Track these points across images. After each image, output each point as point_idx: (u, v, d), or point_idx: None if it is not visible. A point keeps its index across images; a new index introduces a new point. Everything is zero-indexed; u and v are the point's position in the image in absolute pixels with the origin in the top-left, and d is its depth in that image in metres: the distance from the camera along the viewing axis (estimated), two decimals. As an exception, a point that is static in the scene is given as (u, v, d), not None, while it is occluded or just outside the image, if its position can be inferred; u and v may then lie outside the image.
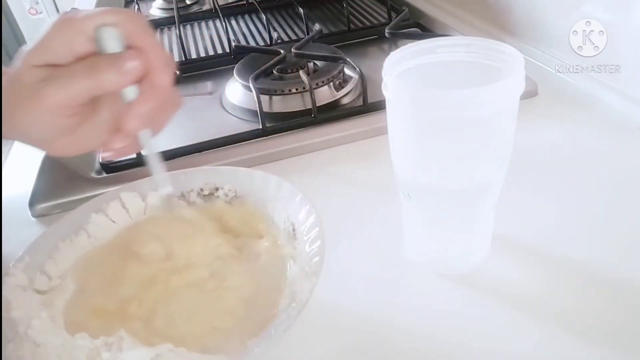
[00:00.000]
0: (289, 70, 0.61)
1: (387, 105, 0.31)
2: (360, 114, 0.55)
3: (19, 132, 0.30)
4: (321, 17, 0.85)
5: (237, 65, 0.64)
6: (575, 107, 0.54)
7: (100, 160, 0.51)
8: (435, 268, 0.37)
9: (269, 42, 0.75)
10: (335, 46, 0.67)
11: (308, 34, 0.74)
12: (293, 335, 0.30)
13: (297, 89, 0.58)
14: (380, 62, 0.30)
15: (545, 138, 0.49)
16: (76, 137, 0.31)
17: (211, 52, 0.76)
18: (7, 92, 0.29)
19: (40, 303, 0.32)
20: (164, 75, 0.31)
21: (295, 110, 0.57)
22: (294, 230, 0.35)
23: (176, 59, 0.75)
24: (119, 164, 0.49)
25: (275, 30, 0.79)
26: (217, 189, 0.40)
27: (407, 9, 0.77)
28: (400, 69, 0.31)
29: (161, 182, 0.35)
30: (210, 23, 0.88)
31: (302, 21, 0.76)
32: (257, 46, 0.75)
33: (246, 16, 0.89)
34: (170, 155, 0.51)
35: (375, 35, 0.76)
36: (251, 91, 0.55)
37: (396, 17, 0.75)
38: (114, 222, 0.38)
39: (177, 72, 0.61)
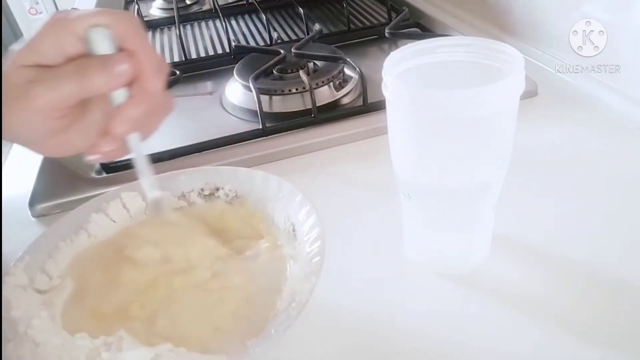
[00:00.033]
0: (289, 70, 0.61)
1: (387, 105, 0.31)
2: (360, 114, 0.55)
3: (7, 132, 0.29)
4: (321, 17, 0.85)
5: (237, 65, 0.64)
6: (575, 107, 0.54)
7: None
8: (435, 268, 0.37)
9: (269, 42, 0.75)
10: (335, 46, 0.67)
11: (308, 34, 0.74)
12: (293, 335, 0.30)
13: (297, 89, 0.58)
14: (380, 62, 0.30)
15: (545, 138, 0.49)
16: (66, 138, 0.31)
17: (211, 52, 0.76)
18: None
19: (40, 303, 0.32)
20: (155, 80, 0.30)
21: (295, 110, 0.57)
22: (294, 230, 0.35)
23: (176, 59, 0.76)
24: (119, 164, 0.49)
25: (275, 30, 0.79)
26: (217, 189, 0.40)
27: (407, 9, 0.77)
28: (400, 69, 0.31)
29: (149, 186, 0.34)
30: (210, 23, 0.88)
31: (302, 21, 0.76)
32: (257, 46, 0.75)
33: (246, 16, 0.89)
34: (170, 155, 0.51)
35: (375, 35, 0.76)
36: (251, 91, 0.55)
37: (396, 17, 0.75)
38: (114, 221, 0.38)
39: (177, 72, 0.61)
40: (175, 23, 0.78)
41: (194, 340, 0.30)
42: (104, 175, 0.50)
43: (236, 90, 0.61)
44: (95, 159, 0.32)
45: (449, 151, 0.30)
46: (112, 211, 0.39)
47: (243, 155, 0.51)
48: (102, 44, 0.29)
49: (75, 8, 0.75)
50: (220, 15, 0.81)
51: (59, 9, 1.99)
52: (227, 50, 0.74)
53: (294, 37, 0.78)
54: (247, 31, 0.83)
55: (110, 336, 0.29)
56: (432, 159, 0.31)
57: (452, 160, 0.31)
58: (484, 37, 0.31)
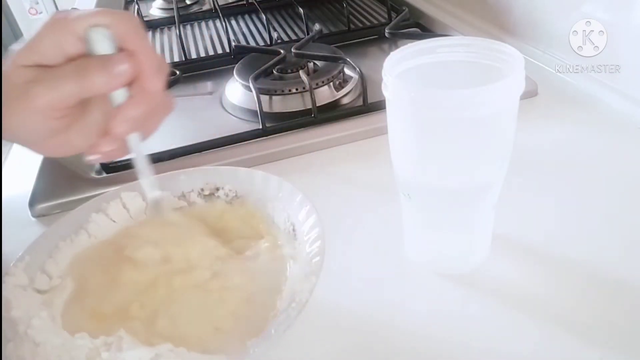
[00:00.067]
0: (289, 70, 0.61)
1: (387, 105, 0.31)
2: (360, 114, 0.55)
3: (7, 132, 0.29)
4: (321, 17, 0.85)
5: (237, 65, 0.64)
6: (575, 107, 0.54)
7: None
8: (435, 268, 0.37)
9: (269, 42, 0.75)
10: (335, 46, 0.67)
11: (308, 34, 0.74)
12: (293, 335, 0.30)
13: (297, 89, 0.58)
14: (380, 62, 0.30)
15: (545, 138, 0.49)
16: (66, 138, 0.30)
17: (211, 52, 0.76)
18: None
19: (40, 303, 0.32)
20: (155, 80, 0.30)
21: (295, 110, 0.57)
22: (294, 230, 0.35)
23: (176, 59, 0.76)
24: (119, 164, 0.49)
25: (275, 30, 0.79)
26: (217, 189, 0.40)
27: (407, 9, 0.77)
28: (400, 69, 0.31)
29: (148, 186, 0.34)
30: (210, 23, 0.88)
31: (302, 21, 0.76)
32: (257, 46, 0.75)
33: (246, 16, 0.89)
34: (170, 155, 0.51)
35: (375, 35, 0.76)
36: (251, 91, 0.55)
37: (396, 17, 0.75)
38: (114, 221, 0.38)
39: (177, 72, 0.61)
40: (175, 23, 0.78)
41: (194, 340, 0.30)
42: (104, 175, 0.50)
43: (236, 90, 0.61)
44: (95, 159, 0.32)
45: (449, 151, 0.30)
46: (112, 211, 0.39)
47: (243, 155, 0.51)
48: (102, 44, 0.28)
49: (75, 8, 0.75)
50: (220, 15, 0.81)
51: (59, 9, 1.99)
52: (227, 50, 0.74)
53: (294, 37, 0.78)
54: (247, 31, 0.83)
55: (110, 336, 0.29)
56: (432, 159, 0.31)
57: (452, 160, 0.31)
58: (484, 37, 0.31)
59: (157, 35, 0.86)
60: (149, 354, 0.28)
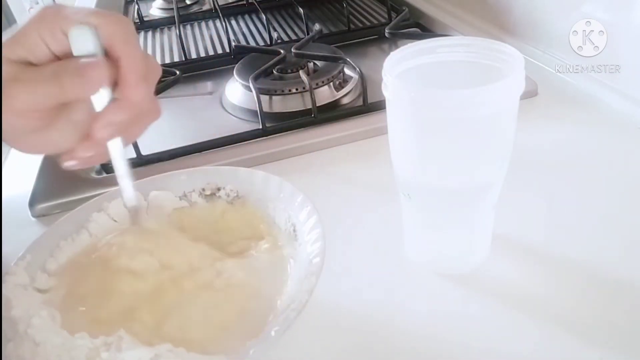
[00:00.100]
0: (289, 70, 0.61)
1: (387, 105, 0.31)
2: (360, 114, 0.55)
3: None
4: (321, 17, 0.85)
5: (237, 65, 0.64)
6: (575, 107, 0.54)
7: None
8: (435, 268, 0.37)
9: (269, 42, 0.75)
10: (335, 46, 0.68)
11: (308, 34, 0.74)
12: (293, 335, 0.30)
13: (297, 89, 0.58)
14: (380, 62, 0.30)
15: (545, 138, 0.49)
16: (46, 136, 0.29)
17: (211, 52, 0.76)
18: None
19: (40, 302, 0.32)
20: (136, 89, 0.28)
21: (295, 110, 0.57)
22: (294, 231, 0.35)
23: (176, 59, 0.76)
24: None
25: (275, 30, 0.79)
26: (218, 189, 0.40)
27: (407, 9, 0.77)
28: (400, 69, 0.31)
29: (128, 194, 0.33)
30: (210, 23, 0.88)
31: (302, 21, 0.76)
32: (257, 46, 0.75)
33: (246, 16, 0.89)
34: (170, 155, 0.51)
35: (375, 35, 0.76)
36: (251, 91, 0.55)
37: (396, 17, 0.75)
38: (115, 221, 0.38)
39: (177, 72, 0.61)
40: (175, 23, 0.79)
41: (203, 342, 0.30)
42: (104, 175, 0.50)
43: (236, 90, 0.61)
44: (71, 164, 0.30)
45: (449, 151, 0.30)
46: (113, 211, 0.38)
47: (243, 155, 0.51)
48: (86, 45, 0.27)
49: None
50: (220, 15, 0.81)
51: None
52: (227, 50, 0.74)
53: (294, 37, 0.78)
54: (247, 31, 0.83)
55: (110, 336, 0.29)
56: (432, 159, 0.31)
57: (452, 160, 0.31)
58: (484, 37, 0.31)
59: (157, 35, 0.86)
60: (148, 354, 0.28)
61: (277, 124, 0.54)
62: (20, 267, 0.33)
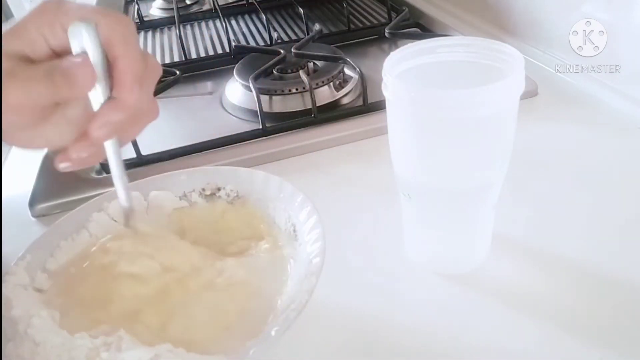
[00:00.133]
0: (289, 70, 0.61)
1: (387, 105, 0.31)
2: (360, 114, 0.55)
3: None
4: (321, 17, 0.85)
5: (237, 65, 0.64)
6: (575, 107, 0.54)
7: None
8: (435, 268, 0.37)
9: (269, 42, 0.75)
10: (335, 46, 0.68)
11: (308, 34, 0.74)
12: (293, 336, 0.30)
13: (297, 89, 0.58)
14: (380, 62, 0.30)
15: (545, 138, 0.49)
16: (41, 132, 0.28)
17: (211, 52, 0.76)
18: None
19: (40, 302, 0.32)
20: (131, 91, 0.28)
21: (295, 110, 0.57)
22: (295, 231, 0.35)
23: (176, 59, 0.76)
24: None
25: (275, 30, 0.79)
26: (218, 189, 0.40)
27: (407, 9, 0.77)
28: (400, 69, 0.31)
29: (123, 195, 0.33)
30: (210, 23, 0.88)
31: (302, 21, 0.76)
32: (257, 46, 0.75)
33: (246, 16, 0.89)
34: (170, 155, 0.51)
35: (375, 35, 0.76)
36: (251, 91, 0.55)
37: (396, 17, 0.75)
38: (115, 221, 0.38)
39: (177, 72, 0.61)
40: (175, 23, 0.79)
41: (204, 343, 0.30)
42: (104, 175, 0.50)
43: (236, 90, 0.61)
44: (65, 166, 0.29)
45: (449, 151, 0.30)
46: (113, 211, 0.38)
47: (243, 155, 0.51)
48: (83, 42, 0.27)
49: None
50: (220, 15, 0.81)
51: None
52: (227, 50, 0.74)
53: (294, 37, 0.78)
54: (247, 31, 0.83)
55: (110, 336, 0.29)
56: (432, 159, 0.31)
57: (452, 160, 0.31)
58: (484, 37, 0.31)
59: (157, 35, 0.86)
60: (148, 354, 0.28)
61: (277, 124, 0.54)
62: (20, 267, 0.33)
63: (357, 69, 0.57)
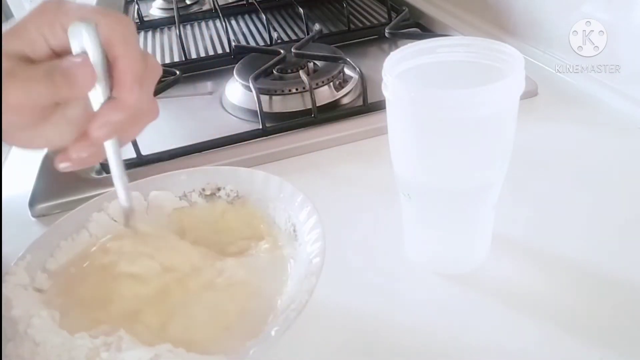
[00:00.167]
0: (289, 70, 0.61)
1: (387, 105, 0.31)
2: (360, 114, 0.55)
3: None
4: (321, 17, 0.85)
5: (237, 65, 0.64)
6: (575, 107, 0.54)
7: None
8: (435, 268, 0.37)
9: (269, 42, 0.75)
10: (335, 46, 0.68)
11: (308, 34, 0.74)
12: (293, 336, 0.30)
13: (297, 89, 0.58)
14: (380, 62, 0.30)
15: (545, 138, 0.49)
16: (40, 132, 0.28)
17: (211, 52, 0.76)
18: None
19: (40, 302, 0.32)
20: (130, 91, 0.28)
21: (295, 110, 0.57)
22: (294, 231, 0.35)
23: (176, 59, 0.76)
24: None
25: (275, 30, 0.79)
26: (218, 189, 0.40)
27: (407, 9, 0.77)
28: (400, 69, 0.31)
29: (123, 195, 0.33)
30: (210, 23, 0.88)
31: (302, 21, 0.76)
32: (257, 46, 0.75)
33: (246, 16, 0.89)
34: (170, 155, 0.51)
35: (375, 35, 0.76)
36: (251, 91, 0.55)
37: (396, 17, 0.75)
38: (115, 221, 0.38)
39: (177, 72, 0.61)
40: (175, 23, 0.79)
41: (205, 343, 0.30)
42: (104, 175, 0.50)
43: (236, 90, 0.61)
44: (65, 166, 0.29)
45: (449, 151, 0.30)
46: (113, 211, 0.38)
47: (243, 155, 0.51)
48: (84, 42, 0.27)
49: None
50: (220, 15, 0.81)
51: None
52: (227, 50, 0.74)
53: (294, 37, 0.78)
54: (247, 31, 0.83)
55: (110, 336, 0.29)
56: (432, 159, 0.31)
57: (452, 160, 0.31)
58: (484, 37, 0.31)
59: (157, 35, 0.86)
60: (148, 354, 0.28)
61: (277, 124, 0.54)
62: (20, 267, 0.33)
63: (357, 69, 0.57)
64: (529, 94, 0.55)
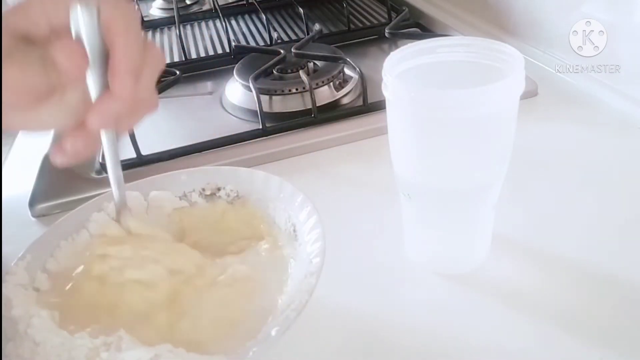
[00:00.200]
0: (289, 70, 0.61)
1: (387, 105, 0.31)
2: (360, 114, 0.55)
3: None
4: (321, 17, 0.85)
5: (237, 65, 0.64)
6: (575, 107, 0.54)
7: (100, 161, 0.51)
8: (435, 268, 0.37)
9: (269, 42, 0.75)
10: (335, 46, 0.68)
11: (308, 34, 0.74)
12: (293, 336, 0.30)
13: (297, 89, 0.58)
14: (380, 62, 0.30)
15: (545, 138, 0.49)
16: (35, 115, 0.28)
17: (211, 52, 0.76)
18: None
19: (40, 302, 0.32)
20: (122, 82, 0.27)
21: (295, 110, 0.57)
22: (295, 231, 0.35)
23: (176, 59, 0.76)
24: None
25: (275, 30, 0.79)
26: (219, 189, 0.40)
27: (407, 9, 0.77)
28: (400, 69, 0.31)
29: (117, 190, 0.33)
30: (210, 23, 0.88)
31: (302, 21, 0.76)
32: (257, 46, 0.75)
33: (246, 16, 0.89)
34: (170, 155, 0.51)
35: (375, 35, 0.76)
36: (251, 91, 0.55)
37: (396, 17, 0.75)
38: (115, 221, 0.38)
39: (177, 72, 0.61)
40: (175, 23, 0.79)
41: (206, 343, 0.30)
42: (104, 175, 0.50)
43: (236, 90, 0.61)
44: (61, 161, 0.29)
45: (449, 151, 0.30)
46: (113, 210, 0.38)
47: (243, 155, 0.51)
48: (83, 26, 0.26)
49: None
50: (220, 15, 0.81)
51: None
52: (227, 50, 0.74)
53: (294, 37, 0.78)
54: (247, 31, 0.83)
55: (110, 336, 0.29)
56: (432, 159, 0.31)
57: (452, 160, 0.31)
58: (484, 37, 0.31)
59: (157, 35, 0.86)
60: (148, 354, 0.28)
61: (277, 124, 0.54)
62: (20, 267, 0.33)
63: (357, 69, 0.57)
64: (529, 94, 0.55)
